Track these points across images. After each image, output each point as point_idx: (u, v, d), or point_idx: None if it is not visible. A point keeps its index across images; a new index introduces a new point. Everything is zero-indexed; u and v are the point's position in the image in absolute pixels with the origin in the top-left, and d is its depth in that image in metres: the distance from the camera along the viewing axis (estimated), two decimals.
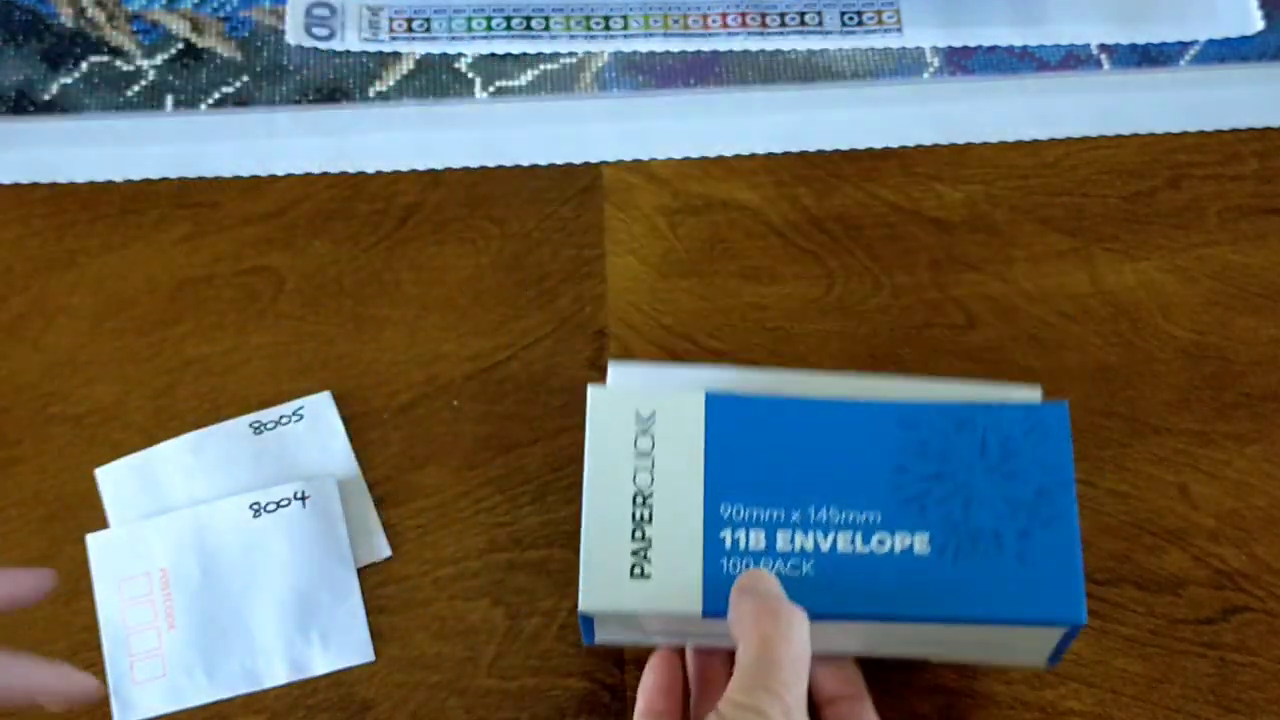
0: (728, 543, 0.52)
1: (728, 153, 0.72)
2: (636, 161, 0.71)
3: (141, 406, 0.64)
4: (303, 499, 0.61)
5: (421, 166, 0.71)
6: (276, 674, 0.59)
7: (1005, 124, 0.73)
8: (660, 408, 0.53)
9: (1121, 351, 0.66)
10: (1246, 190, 0.71)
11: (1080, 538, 0.52)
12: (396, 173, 0.71)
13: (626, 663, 0.59)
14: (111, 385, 0.65)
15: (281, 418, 0.63)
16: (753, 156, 0.72)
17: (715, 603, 0.51)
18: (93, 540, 0.61)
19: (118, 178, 0.70)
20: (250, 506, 0.60)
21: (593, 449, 0.54)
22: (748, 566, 0.51)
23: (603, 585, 0.51)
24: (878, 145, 0.72)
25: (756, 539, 0.52)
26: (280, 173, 0.71)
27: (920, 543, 0.51)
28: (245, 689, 0.59)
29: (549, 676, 0.59)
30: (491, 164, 0.71)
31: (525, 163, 0.71)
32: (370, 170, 0.71)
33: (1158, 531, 0.62)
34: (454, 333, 0.66)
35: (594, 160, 0.71)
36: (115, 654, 0.59)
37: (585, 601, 0.52)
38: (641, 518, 0.52)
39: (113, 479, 0.62)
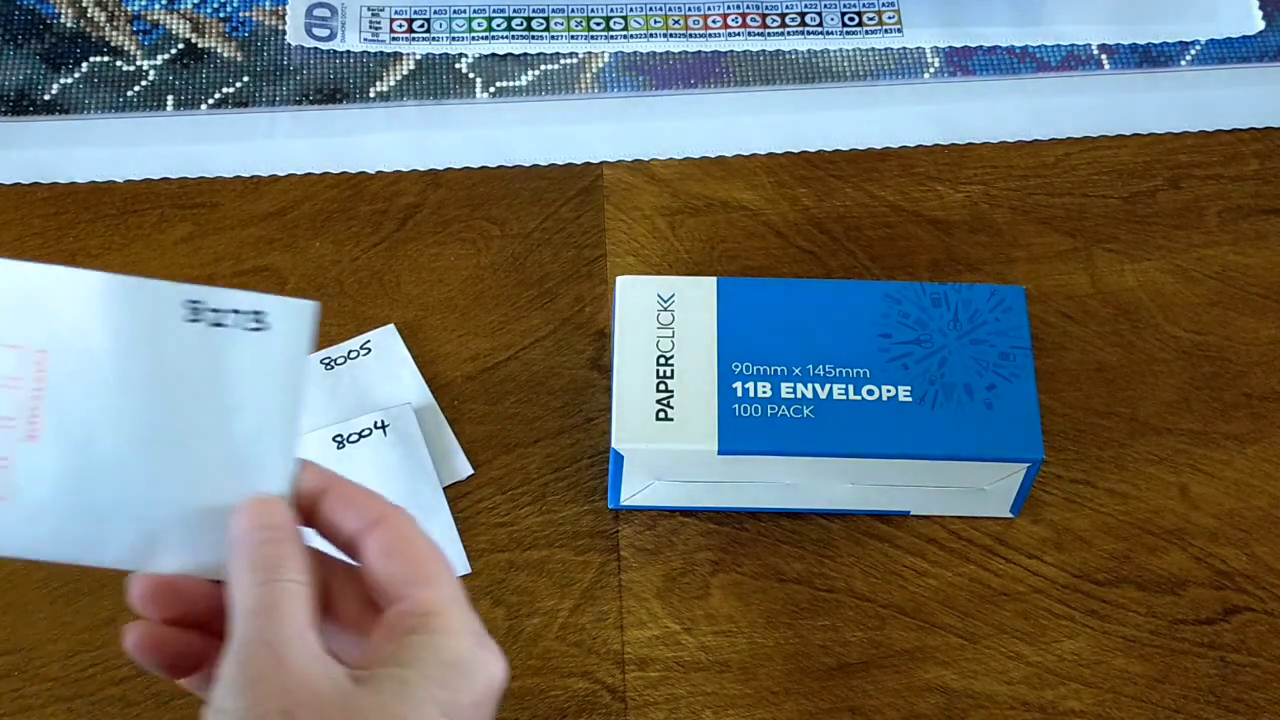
0: (739, 392, 0.58)
1: (728, 153, 0.72)
2: (636, 161, 0.71)
3: None
4: (383, 427, 0.62)
5: (422, 167, 0.71)
6: None
7: (1005, 124, 0.73)
8: (678, 289, 0.61)
9: (1121, 351, 0.66)
10: (1246, 190, 0.71)
11: (1037, 391, 0.59)
12: (397, 173, 0.71)
13: (627, 663, 0.59)
14: None
15: (350, 352, 0.65)
16: (753, 156, 0.72)
17: (729, 441, 0.57)
18: None
19: (118, 178, 0.70)
20: (334, 439, 0.62)
21: (621, 321, 0.60)
22: (758, 412, 0.58)
23: (633, 427, 0.58)
24: (878, 145, 0.72)
25: (764, 389, 0.59)
26: (280, 173, 0.71)
27: (904, 394, 0.59)
28: None
29: (549, 676, 0.59)
30: (492, 164, 0.71)
31: (525, 163, 0.71)
32: (371, 170, 0.71)
33: (1158, 531, 0.62)
34: (454, 333, 0.66)
35: (594, 160, 0.71)
36: None
37: (618, 440, 0.58)
38: (664, 375, 0.59)
39: None
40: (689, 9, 0.76)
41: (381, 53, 0.74)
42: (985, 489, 0.60)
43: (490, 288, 0.68)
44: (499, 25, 0.75)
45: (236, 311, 0.43)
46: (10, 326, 0.43)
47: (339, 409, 0.64)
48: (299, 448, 0.44)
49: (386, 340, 0.66)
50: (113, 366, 0.43)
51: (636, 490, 0.61)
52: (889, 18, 0.76)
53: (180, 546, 0.43)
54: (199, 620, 0.43)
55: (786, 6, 0.76)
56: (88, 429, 0.43)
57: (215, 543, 0.43)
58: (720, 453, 0.58)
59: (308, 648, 0.40)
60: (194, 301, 0.43)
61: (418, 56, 0.74)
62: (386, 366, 0.65)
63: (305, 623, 0.40)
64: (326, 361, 0.65)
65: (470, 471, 0.63)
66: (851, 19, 0.76)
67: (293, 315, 0.44)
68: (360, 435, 0.63)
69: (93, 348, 0.43)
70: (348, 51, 0.74)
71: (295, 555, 0.42)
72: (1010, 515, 0.62)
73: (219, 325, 0.43)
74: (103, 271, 0.43)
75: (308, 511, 0.43)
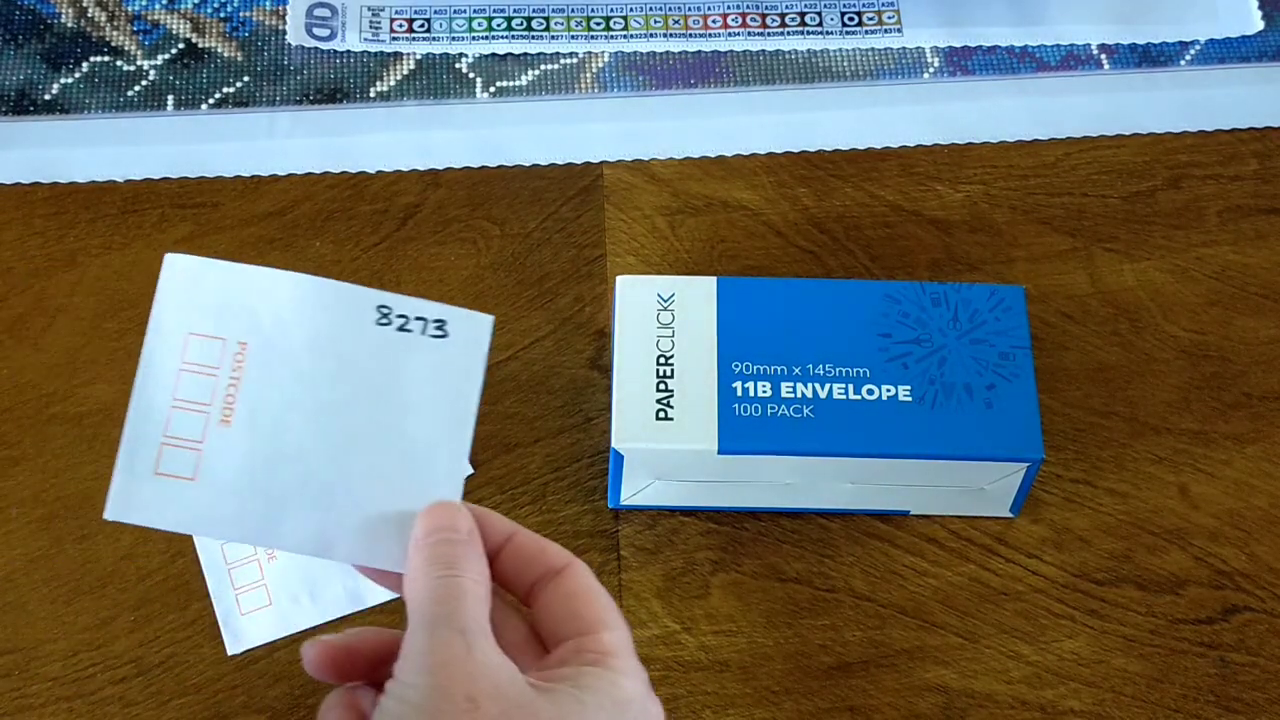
0: (739, 391, 0.58)
1: (728, 153, 0.72)
2: (636, 161, 0.71)
3: None
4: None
5: (422, 167, 0.71)
6: (379, 592, 0.60)
7: (1005, 124, 0.73)
8: (678, 289, 0.61)
9: (1121, 351, 0.66)
10: (1246, 190, 0.71)
11: (1037, 390, 0.59)
12: (397, 173, 0.71)
13: None
14: (111, 385, 0.65)
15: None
16: (753, 156, 0.72)
17: (729, 441, 0.57)
18: None
19: (118, 178, 0.70)
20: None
21: (621, 321, 0.60)
22: (758, 411, 0.58)
23: (633, 427, 0.58)
24: (878, 145, 0.72)
25: (763, 389, 0.58)
26: (281, 173, 0.71)
27: (903, 393, 0.59)
28: (350, 609, 0.60)
29: None
30: (492, 164, 0.71)
31: (526, 163, 0.71)
32: (371, 170, 0.71)
33: (1158, 531, 0.62)
34: None
35: (594, 160, 0.71)
36: (220, 590, 0.60)
37: (618, 439, 0.58)
38: (664, 374, 0.59)
39: None
40: (689, 9, 0.76)
41: (382, 52, 0.74)
42: (985, 489, 0.60)
43: (490, 288, 0.68)
44: (499, 25, 0.75)
45: (421, 319, 0.46)
46: (217, 319, 0.45)
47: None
48: (470, 453, 0.45)
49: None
50: (305, 362, 0.45)
51: (636, 490, 0.61)
52: (889, 18, 0.76)
53: (355, 538, 0.44)
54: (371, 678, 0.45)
55: (786, 6, 0.76)
56: (277, 419, 0.45)
57: (390, 537, 0.44)
58: (720, 452, 0.58)
59: (492, 642, 0.41)
60: (384, 306, 0.46)
61: (418, 56, 0.74)
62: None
63: (486, 620, 0.42)
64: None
65: (470, 471, 0.63)
66: (851, 19, 0.76)
67: (472, 326, 0.46)
68: None
69: (289, 343, 0.45)
70: (348, 51, 0.74)
71: (476, 559, 0.43)
72: (1010, 515, 0.62)
73: (404, 330, 0.46)
74: (306, 274, 0.46)
75: (491, 558, 0.44)
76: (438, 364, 0.46)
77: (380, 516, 0.44)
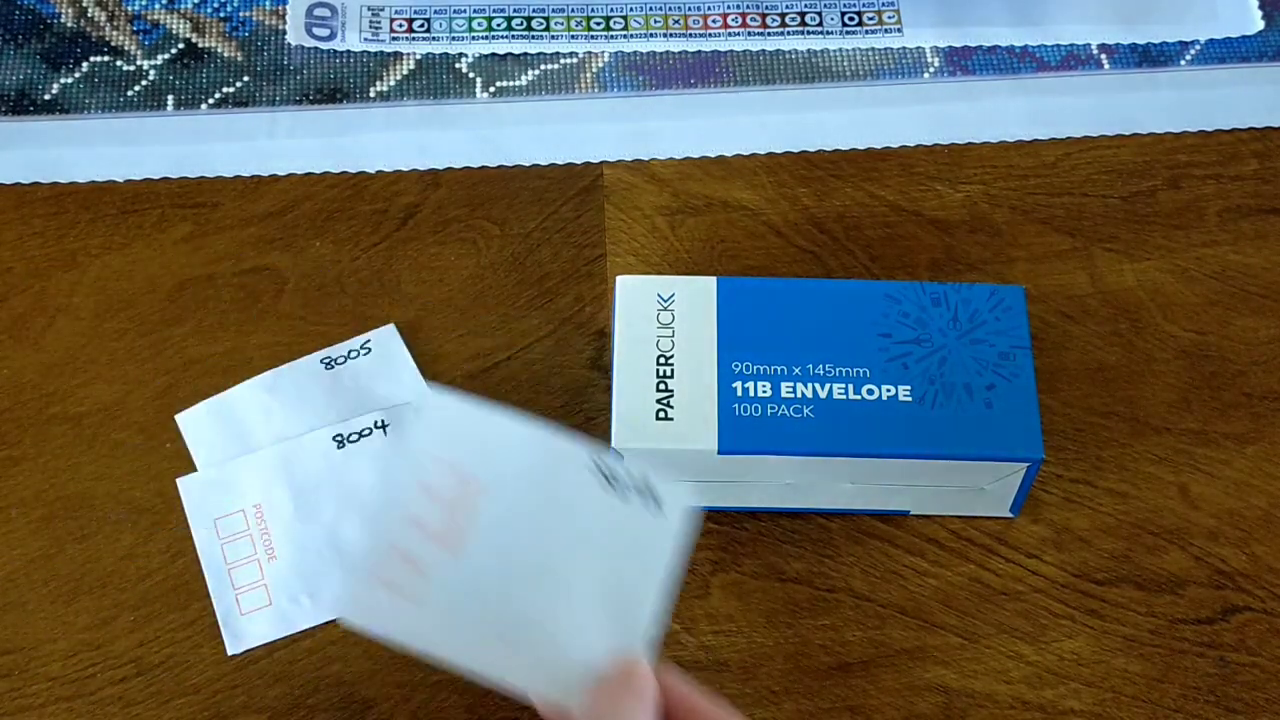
0: (739, 391, 0.58)
1: (728, 153, 0.72)
2: (636, 161, 0.71)
3: (142, 406, 0.64)
4: (383, 427, 0.63)
5: (422, 166, 0.71)
6: None
7: (1005, 124, 0.73)
8: (678, 289, 0.61)
9: (1121, 351, 0.66)
10: (1246, 190, 0.71)
11: (1037, 390, 0.59)
12: (397, 173, 0.71)
13: None
14: (111, 385, 0.65)
15: (350, 352, 0.65)
16: (753, 156, 0.72)
17: (729, 441, 0.57)
18: (184, 483, 0.62)
19: (118, 178, 0.70)
20: (334, 439, 0.62)
21: (621, 321, 0.60)
22: (758, 411, 0.58)
23: (633, 427, 0.58)
24: (878, 145, 0.72)
25: (764, 389, 0.59)
26: (281, 173, 0.71)
27: (903, 393, 0.58)
28: None
29: None
30: (492, 164, 0.71)
31: (525, 163, 0.71)
32: (371, 170, 0.71)
33: (1158, 531, 0.62)
34: (454, 333, 0.66)
35: (594, 160, 0.71)
36: (220, 590, 0.60)
37: (618, 440, 0.58)
38: (664, 374, 0.59)
39: (194, 422, 0.64)
40: (689, 9, 0.76)
41: (381, 52, 0.74)
42: (985, 489, 0.60)
43: (490, 287, 0.68)
44: (499, 25, 0.75)
45: (639, 490, 0.48)
46: (462, 454, 0.48)
47: (338, 409, 0.64)
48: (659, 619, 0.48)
49: (386, 340, 0.66)
50: (534, 510, 0.48)
51: None
52: (889, 17, 0.76)
53: (546, 675, 0.47)
54: None
55: (786, 6, 0.76)
56: (500, 557, 0.47)
57: (575, 682, 0.47)
58: (720, 452, 0.58)
59: None
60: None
61: (418, 56, 0.74)
62: (386, 366, 0.65)
63: None
64: (326, 361, 0.65)
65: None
66: (851, 19, 0.76)
67: (680, 505, 0.48)
68: (360, 435, 0.63)
69: (522, 490, 0.48)
70: (348, 51, 0.74)
71: (645, 715, 0.45)
72: (1010, 515, 0.62)
73: (624, 498, 0.48)
74: (545, 428, 0.48)
75: (671, 707, 0.46)
76: (648, 533, 0.48)
77: (570, 660, 0.47)
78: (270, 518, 0.61)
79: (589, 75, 0.74)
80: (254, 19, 0.75)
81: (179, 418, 0.64)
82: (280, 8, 0.75)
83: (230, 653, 0.59)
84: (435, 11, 0.75)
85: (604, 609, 0.48)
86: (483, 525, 0.48)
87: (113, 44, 0.74)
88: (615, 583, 0.48)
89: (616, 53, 0.75)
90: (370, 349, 0.65)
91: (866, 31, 0.75)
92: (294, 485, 0.62)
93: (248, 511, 0.62)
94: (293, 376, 0.65)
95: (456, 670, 0.47)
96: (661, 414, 0.58)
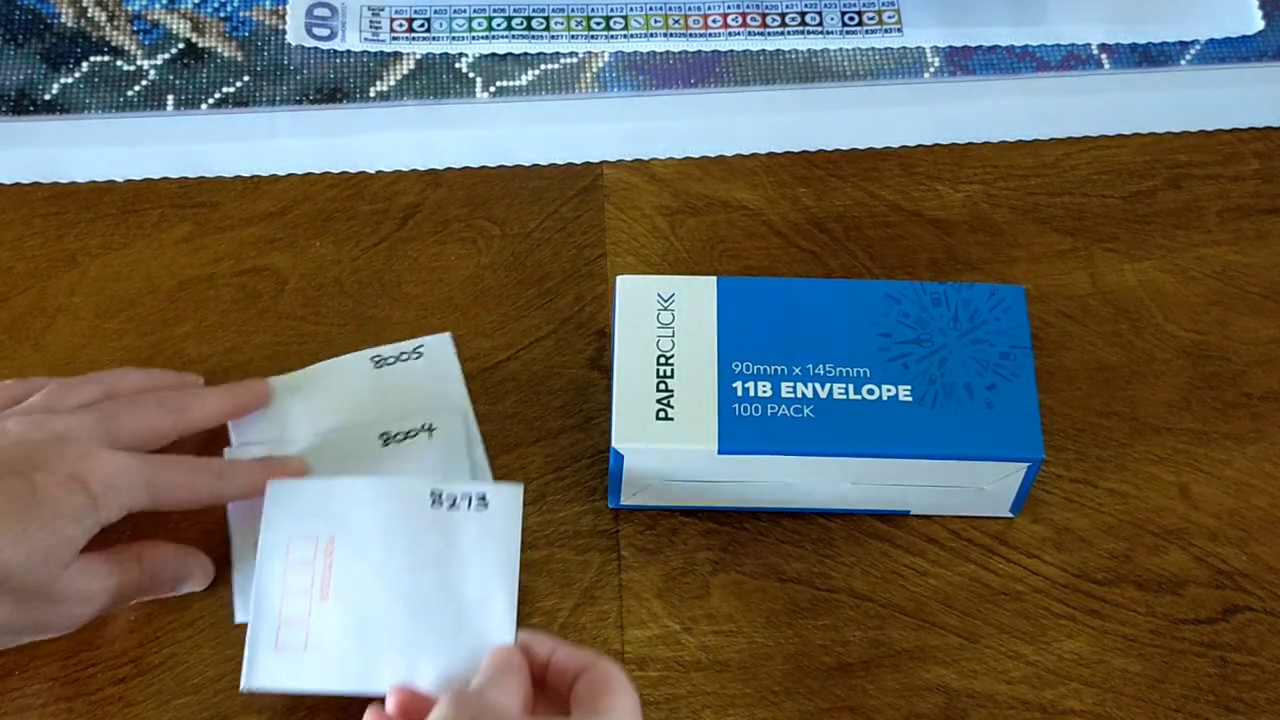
0: (739, 391, 0.58)
1: (728, 153, 0.72)
2: (637, 161, 0.71)
3: None
4: (430, 430, 0.63)
5: (422, 166, 0.71)
6: None
7: (1005, 124, 0.73)
8: (678, 289, 0.61)
9: (1121, 351, 0.66)
10: (1246, 190, 0.71)
11: (1037, 390, 0.59)
12: (397, 173, 0.71)
13: (627, 662, 0.59)
14: None
15: (402, 354, 0.65)
16: (753, 156, 0.72)
17: (729, 441, 0.57)
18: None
19: (118, 178, 0.70)
20: (380, 436, 0.62)
21: (621, 321, 0.60)
22: (758, 411, 0.58)
23: (633, 427, 0.58)
24: (878, 145, 0.72)
25: (764, 389, 0.58)
26: (281, 173, 0.71)
27: (904, 393, 0.58)
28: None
29: None
30: (492, 164, 0.71)
31: (526, 163, 0.71)
32: (371, 170, 0.71)
33: (1158, 531, 0.62)
34: (454, 332, 0.66)
35: (594, 160, 0.71)
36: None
37: (618, 440, 0.58)
38: (664, 374, 0.59)
39: (247, 442, 0.63)
40: (689, 9, 0.76)
41: (381, 52, 0.74)
42: (985, 489, 0.60)
43: (490, 287, 0.68)
44: (499, 25, 0.75)
45: (467, 495, 0.58)
46: (312, 524, 0.58)
47: (381, 408, 0.63)
48: (516, 597, 0.56)
49: (440, 347, 0.65)
50: (380, 544, 0.57)
51: (636, 490, 0.61)
52: (889, 17, 0.76)
53: (434, 675, 0.55)
54: None
55: (786, 6, 0.76)
56: (362, 591, 0.57)
57: (463, 671, 0.55)
58: (720, 452, 0.58)
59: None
60: (435, 491, 0.58)
61: (418, 56, 0.74)
62: (435, 374, 0.65)
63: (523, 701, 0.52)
64: (376, 359, 0.65)
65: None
66: (851, 19, 0.76)
67: (507, 497, 0.58)
68: (407, 435, 0.62)
69: (366, 531, 0.57)
70: (348, 51, 0.74)
71: (524, 682, 0.53)
72: (1010, 515, 0.62)
73: (454, 508, 0.58)
74: (372, 476, 0.60)
75: (541, 668, 0.54)
76: (482, 531, 0.57)
77: (452, 657, 0.55)
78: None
79: (589, 75, 0.74)
80: (254, 19, 0.75)
81: (233, 426, 0.63)
82: (280, 8, 0.75)
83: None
84: (435, 11, 0.75)
85: (470, 608, 0.56)
86: (341, 571, 0.57)
87: (113, 44, 0.74)
88: (474, 583, 0.56)
89: (616, 53, 0.75)
90: (422, 354, 0.65)
91: (866, 31, 0.75)
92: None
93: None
94: (341, 371, 0.64)
95: (358, 696, 0.55)
96: (661, 414, 0.58)
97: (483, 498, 0.58)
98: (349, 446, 0.62)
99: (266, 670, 0.56)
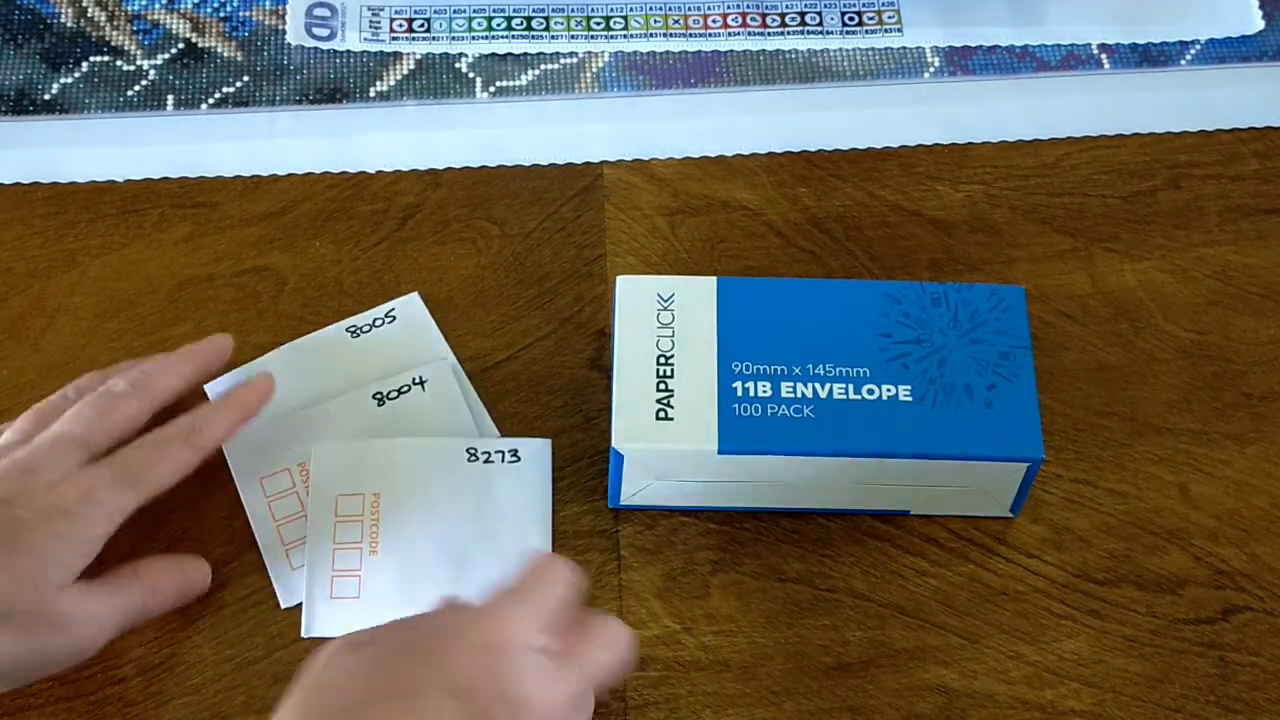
0: (739, 391, 0.58)
1: (728, 153, 0.72)
2: (636, 161, 0.71)
3: None
4: (421, 384, 0.64)
5: (422, 166, 0.71)
6: None
7: (1005, 124, 0.73)
8: (678, 289, 0.61)
9: (1121, 351, 0.66)
10: (1246, 190, 0.71)
11: (1037, 390, 0.59)
12: (397, 173, 0.71)
13: None
14: None
15: (375, 320, 0.66)
16: (753, 156, 0.72)
17: (729, 441, 0.57)
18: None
19: (118, 178, 0.70)
20: (373, 397, 0.64)
21: (621, 321, 0.60)
22: (758, 411, 0.58)
23: (633, 427, 0.58)
24: (878, 145, 0.72)
25: (764, 389, 0.58)
26: (280, 173, 0.71)
27: (904, 393, 0.58)
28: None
29: None
30: (492, 164, 0.71)
31: (525, 163, 0.71)
32: (371, 170, 0.71)
33: (1158, 531, 0.62)
34: (454, 332, 0.66)
35: (594, 160, 0.71)
36: (270, 543, 0.61)
37: (618, 440, 0.58)
38: (664, 374, 0.59)
39: (222, 391, 0.64)
40: (689, 9, 0.76)
41: (381, 52, 0.74)
42: (985, 489, 0.60)
43: (490, 287, 0.68)
44: (499, 25, 0.75)
45: (500, 452, 0.62)
46: (357, 481, 0.61)
47: (366, 373, 0.64)
48: (552, 542, 0.61)
49: (410, 307, 0.66)
50: (422, 499, 0.61)
51: (636, 490, 0.61)
52: (889, 18, 0.76)
53: None
54: None
55: (786, 6, 0.76)
56: (408, 544, 0.60)
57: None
58: (720, 453, 0.58)
59: None
60: (471, 448, 0.62)
61: (418, 56, 0.74)
62: (411, 333, 0.66)
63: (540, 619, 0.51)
64: (352, 329, 0.66)
65: (497, 433, 0.64)
66: (851, 19, 0.76)
67: (538, 449, 0.63)
68: (400, 392, 0.64)
69: (408, 488, 0.61)
70: (348, 51, 0.74)
71: (550, 598, 0.52)
72: (1010, 515, 0.62)
73: (489, 463, 0.62)
74: (410, 437, 0.62)
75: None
76: (516, 482, 0.62)
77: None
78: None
79: (589, 75, 0.74)
80: (254, 19, 0.75)
81: (208, 387, 0.64)
82: (280, 8, 0.75)
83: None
84: (435, 11, 0.75)
85: (510, 552, 0.59)
86: (388, 526, 0.61)
87: (113, 44, 0.74)
88: (512, 529, 0.61)
89: (616, 53, 0.75)
90: (395, 317, 0.66)
91: (866, 31, 0.75)
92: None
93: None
94: (319, 344, 0.65)
95: None
96: (661, 414, 0.58)
97: (514, 452, 0.62)
98: (344, 412, 0.63)
99: (323, 619, 0.59)
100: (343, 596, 0.60)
